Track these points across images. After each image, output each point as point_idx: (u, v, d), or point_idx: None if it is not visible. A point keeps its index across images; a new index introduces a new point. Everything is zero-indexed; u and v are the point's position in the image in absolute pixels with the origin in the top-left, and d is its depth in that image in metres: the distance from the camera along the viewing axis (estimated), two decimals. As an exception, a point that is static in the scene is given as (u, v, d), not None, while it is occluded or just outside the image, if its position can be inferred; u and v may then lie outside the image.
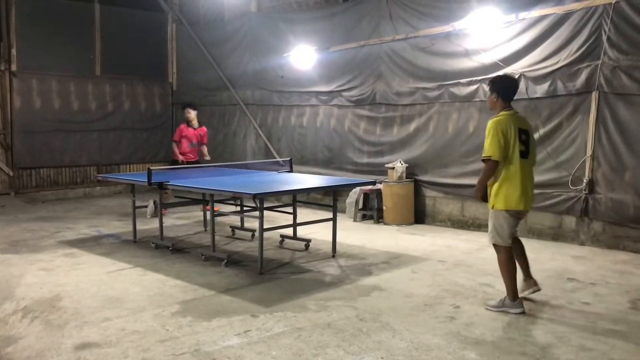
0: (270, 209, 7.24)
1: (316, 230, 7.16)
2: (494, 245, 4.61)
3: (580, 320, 4.36)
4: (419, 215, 8.47)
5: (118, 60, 11.64)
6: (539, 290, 4.79)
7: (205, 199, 7.79)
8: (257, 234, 6.18)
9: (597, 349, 3.80)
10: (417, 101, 8.39)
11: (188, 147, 9.05)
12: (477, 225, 7.84)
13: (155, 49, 12.36)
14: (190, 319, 4.32)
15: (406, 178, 8.37)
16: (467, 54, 7.71)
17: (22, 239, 7.20)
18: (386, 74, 8.70)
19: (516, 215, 4.53)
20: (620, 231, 6.61)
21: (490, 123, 4.47)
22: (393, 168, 8.33)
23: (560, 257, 6.36)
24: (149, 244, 6.84)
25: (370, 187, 8.10)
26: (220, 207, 7.90)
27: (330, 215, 6.44)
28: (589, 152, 6.73)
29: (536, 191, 7.08)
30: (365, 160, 9.13)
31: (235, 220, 7.84)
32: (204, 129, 9.28)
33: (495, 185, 4.48)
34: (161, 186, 6.24)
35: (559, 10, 6.84)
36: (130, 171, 11.86)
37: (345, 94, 9.32)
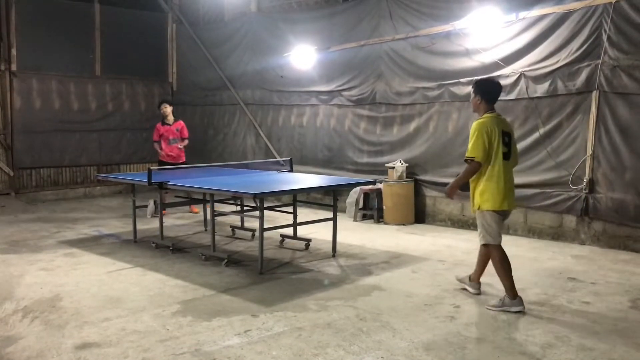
0: (270, 208, 7.24)
1: (316, 230, 7.16)
2: (485, 245, 4.71)
3: (581, 319, 4.36)
4: (419, 215, 8.47)
5: (118, 60, 11.65)
6: (477, 294, 4.90)
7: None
8: (257, 233, 6.17)
9: (597, 349, 3.79)
10: (417, 101, 8.38)
11: (167, 145, 8.91)
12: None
13: (155, 49, 12.36)
14: (191, 318, 4.32)
15: (406, 178, 8.37)
16: (467, 53, 7.71)
17: (22, 239, 7.20)
18: (386, 74, 8.70)
19: (502, 215, 4.64)
20: (620, 231, 6.61)
21: (474, 125, 4.58)
22: (393, 168, 8.33)
23: (561, 256, 6.36)
24: (149, 244, 6.84)
25: (370, 186, 8.10)
26: (220, 207, 7.89)
27: (330, 215, 6.44)
28: (589, 151, 6.72)
29: (537, 190, 7.16)
30: (365, 160, 9.13)
31: (236, 220, 7.84)
32: (181, 122, 9.14)
33: (480, 186, 4.58)
34: (161, 186, 6.24)
35: (559, 9, 6.83)
36: (130, 171, 11.86)
37: (345, 93, 9.32)
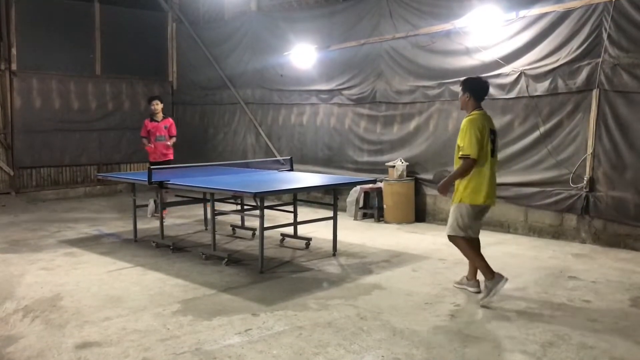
0: (270, 207, 7.25)
1: (317, 229, 7.16)
2: (450, 237, 4.80)
3: (581, 318, 4.35)
4: (420, 214, 8.47)
5: (118, 59, 11.65)
6: (477, 292, 4.87)
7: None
8: (257, 232, 6.17)
9: (597, 347, 3.79)
10: (417, 99, 8.38)
11: (154, 142, 8.66)
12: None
13: (156, 48, 12.36)
14: (191, 318, 4.32)
15: (407, 176, 8.37)
16: (467, 52, 7.70)
17: (23, 239, 7.20)
18: (386, 73, 8.69)
19: (481, 211, 4.73)
20: (620, 229, 6.60)
21: (465, 121, 4.66)
22: (393, 166, 8.32)
23: (561, 255, 6.36)
24: (149, 243, 6.84)
25: (370, 185, 8.10)
26: (220, 206, 7.88)
27: (330, 213, 6.44)
28: (589, 150, 6.72)
29: (537, 189, 7.16)
30: (365, 158, 9.13)
31: (236, 219, 7.83)
32: (170, 120, 8.90)
33: (465, 181, 4.66)
34: (161, 185, 6.24)
35: (559, 7, 6.83)
36: (130, 170, 11.86)
37: (345, 92, 9.32)
